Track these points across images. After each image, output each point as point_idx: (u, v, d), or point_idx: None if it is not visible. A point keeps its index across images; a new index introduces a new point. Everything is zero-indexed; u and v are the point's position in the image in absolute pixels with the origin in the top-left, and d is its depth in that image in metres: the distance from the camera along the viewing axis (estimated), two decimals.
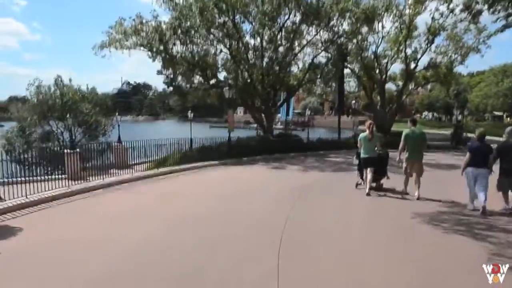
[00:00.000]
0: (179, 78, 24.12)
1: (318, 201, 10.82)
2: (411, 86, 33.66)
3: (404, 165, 10.94)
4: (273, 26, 23.65)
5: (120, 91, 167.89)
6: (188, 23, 21.66)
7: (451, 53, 31.11)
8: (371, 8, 24.02)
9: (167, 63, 22.83)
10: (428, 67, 31.52)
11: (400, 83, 33.61)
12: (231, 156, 19.68)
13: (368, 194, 11.06)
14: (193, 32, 22.29)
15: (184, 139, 19.83)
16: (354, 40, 29.82)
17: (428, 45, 30.56)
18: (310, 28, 24.48)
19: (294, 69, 27.98)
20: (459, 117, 46.68)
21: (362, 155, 11.63)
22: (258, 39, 24.30)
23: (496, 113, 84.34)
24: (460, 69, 33.43)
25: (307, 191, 12.15)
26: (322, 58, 27.25)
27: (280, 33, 24.04)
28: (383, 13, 26.44)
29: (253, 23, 23.77)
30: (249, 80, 24.50)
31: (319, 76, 26.22)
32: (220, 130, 51.81)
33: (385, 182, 12.18)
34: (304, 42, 25.57)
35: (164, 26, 21.37)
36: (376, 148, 11.61)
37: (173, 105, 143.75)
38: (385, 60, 32.16)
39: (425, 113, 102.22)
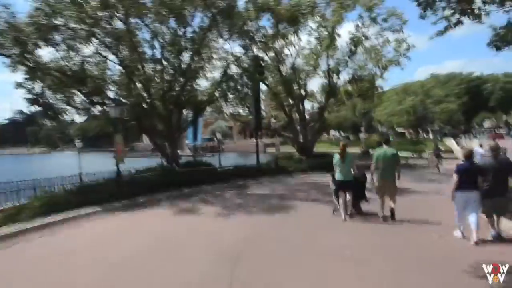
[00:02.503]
0: (48, 93, 18.04)
1: None
2: (333, 102, 30.31)
3: (376, 185, 10.33)
4: (175, 28, 18.94)
5: (13, 121, 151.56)
6: (60, 19, 16.14)
7: (372, 66, 28.87)
8: (296, 6, 20.12)
9: (31, 73, 16.86)
10: (351, 81, 28.62)
11: (320, 98, 30.52)
12: (122, 197, 14.25)
13: (344, 220, 10.43)
14: (67, 32, 16.79)
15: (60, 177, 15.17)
16: (271, 53, 26.33)
17: (350, 56, 27.75)
18: (222, 31, 20.00)
19: (203, 82, 23.38)
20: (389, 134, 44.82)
21: (336, 178, 10.80)
22: (157, 45, 19.33)
23: (398, 130, 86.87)
24: (380, 83, 30.90)
25: (242, 270, 7.01)
26: (236, 72, 22.94)
27: (185, 35, 19.24)
28: (307, 14, 22.67)
29: (150, 24, 18.80)
30: (147, 97, 19.36)
31: (232, 91, 21.68)
32: (127, 160, 45.59)
33: (363, 206, 11.42)
34: (215, 48, 21.05)
35: (23, 21, 15.57)
36: (352, 171, 10.77)
37: (74, 134, 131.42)
38: (304, 75, 28.83)
39: (332, 132, 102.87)
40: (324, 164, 26.01)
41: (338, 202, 10.95)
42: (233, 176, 20.80)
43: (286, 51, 27.49)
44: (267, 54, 26.63)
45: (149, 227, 10.90)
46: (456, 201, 8.43)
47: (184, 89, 19.79)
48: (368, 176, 11.16)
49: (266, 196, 15.75)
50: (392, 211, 10.29)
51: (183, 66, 19.40)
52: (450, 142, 63.06)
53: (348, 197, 10.62)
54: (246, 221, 11.05)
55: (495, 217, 8.43)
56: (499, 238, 8.19)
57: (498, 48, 17.80)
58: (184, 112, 23.17)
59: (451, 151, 53.81)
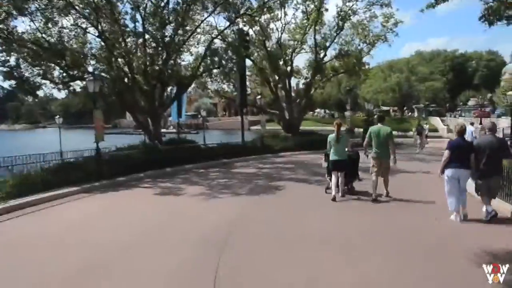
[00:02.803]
0: (24, 66, 17.13)
1: None
2: (319, 78, 29.67)
3: (371, 164, 10.29)
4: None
5: None
6: None
7: (358, 41, 28.42)
8: None
9: (5, 45, 15.94)
10: (338, 56, 28.08)
11: (306, 74, 29.86)
12: (101, 177, 13.65)
13: (334, 199, 10.13)
14: (43, 1, 15.91)
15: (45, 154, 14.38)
16: (257, 27, 25.62)
17: (338, 32, 27.18)
18: (206, 3, 19.22)
19: (187, 57, 22.66)
20: (374, 113, 44.26)
21: (331, 157, 10.59)
22: (139, 17, 18.49)
23: (383, 107, 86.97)
24: (367, 60, 30.37)
25: (229, 255, 6.47)
26: (221, 46, 22.15)
27: (167, 6, 18.46)
28: None
29: None
30: (128, 71, 18.58)
31: (217, 66, 20.98)
32: (109, 137, 44.49)
33: (357, 185, 11.42)
34: (199, 21, 20.25)
35: None
36: (346, 149, 10.69)
37: (56, 111, 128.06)
38: (290, 50, 28.18)
39: (318, 110, 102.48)
40: (311, 142, 25.70)
41: (331, 181, 10.68)
42: (218, 154, 20.34)
43: (272, 25, 26.91)
44: (252, 29, 25.98)
45: (129, 210, 10.31)
46: (446, 178, 8.13)
47: (167, 64, 19.06)
48: (361, 153, 11.29)
49: (253, 176, 15.33)
50: (387, 190, 10.38)
51: (166, 39, 18.64)
52: (436, 121, 63.32)
53: (341, 177, 10.38)
54: (232, 203, 10.54)
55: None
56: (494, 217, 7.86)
57: (490, 23, 17.35)
58: (168, 89, 22.49)
59: (436, 130, 54.08)
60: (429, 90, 74.63)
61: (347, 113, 73.37)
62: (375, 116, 12.43)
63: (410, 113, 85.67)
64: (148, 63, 18.40)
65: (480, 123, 36.59)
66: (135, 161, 15.84)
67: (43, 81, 17.88)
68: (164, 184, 13.64)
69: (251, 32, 26.01)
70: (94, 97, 14.77)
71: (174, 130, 45.54)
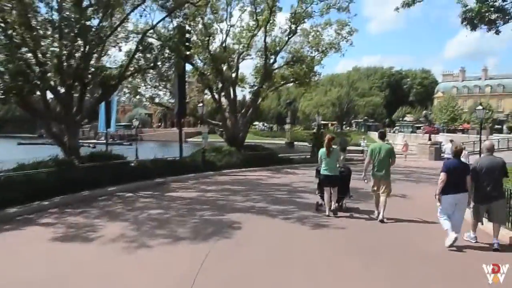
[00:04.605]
0: None
1: None
2: (267, 86, 26.82)
3: (371, 183, 9.71)
4: None
5: None
6: None
7: (310, 49, 26.23)
8: None
9: None
10: (289, 63, 25.48)
11: (253, 81, 27.06)
12: None
13: (335, 214, 9.84)
14: None
15: None
16: (199, 26, 22.61)
17: (290, 36, 24.64)
18: None
19: (115, 53, 18.94)
20: (321, 126, 42.13)
21: (322, 172, 10.06)
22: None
23: (322, 122, 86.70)
24: (318, 69, 28.18)
25: None
26: (156, 41, 18.54)
27: None
28: None
29: None
30: (36, 66, 14.46)
31: (152, 65, 17.32)
32: (33, 148, 39.35)
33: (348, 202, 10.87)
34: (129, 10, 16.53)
35: None
36: (337, 165, 10.15)
37: None
38: (236, 55, 25.25)
39: (256, 122, 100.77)
40: (258, 157, 22.81)
41: (323, 198, 10.21)
42: (151, 172, 16.63)
43: (215, 26, 23.99)
44: (193, 28, 22.77)
45: (4, 269, 6.35)
46: (443, 205, 7.47)
47: (88, 59, 15.14)
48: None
49: (195, 203, 11.82)
50: (383, 213, 9.51)
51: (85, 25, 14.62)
52: (375, 135, 63.21)
53: (333, 192, 10.03)
54: (167, 260, 6.78)
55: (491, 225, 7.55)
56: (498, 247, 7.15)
57: (473, 27, 15.40)
58: (89, 88, 18.42)
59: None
60: (369, 105, 75.06)
61: (287, 127, 72.00)
62: (378, 133, 11.71)
63: (349, 128, 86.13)
64: (64, 57, 14.37)
65: (429, 139, 35.48)
66: (41, 183, 11.71)
67: None
68: (73, 219, 9.71)
69: (193, 31, 22.86)
70: None
71: (104, 142, 41.26)
